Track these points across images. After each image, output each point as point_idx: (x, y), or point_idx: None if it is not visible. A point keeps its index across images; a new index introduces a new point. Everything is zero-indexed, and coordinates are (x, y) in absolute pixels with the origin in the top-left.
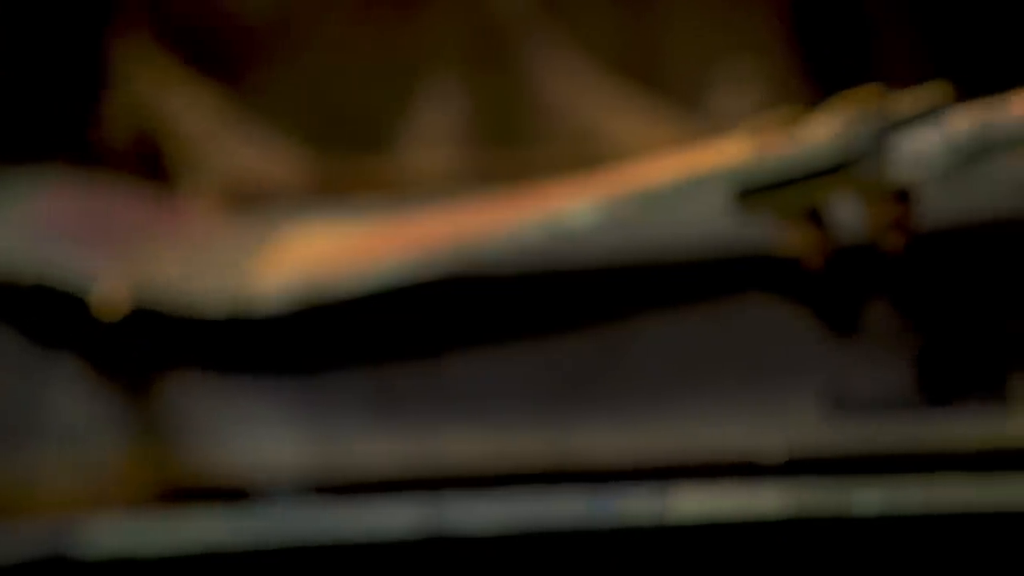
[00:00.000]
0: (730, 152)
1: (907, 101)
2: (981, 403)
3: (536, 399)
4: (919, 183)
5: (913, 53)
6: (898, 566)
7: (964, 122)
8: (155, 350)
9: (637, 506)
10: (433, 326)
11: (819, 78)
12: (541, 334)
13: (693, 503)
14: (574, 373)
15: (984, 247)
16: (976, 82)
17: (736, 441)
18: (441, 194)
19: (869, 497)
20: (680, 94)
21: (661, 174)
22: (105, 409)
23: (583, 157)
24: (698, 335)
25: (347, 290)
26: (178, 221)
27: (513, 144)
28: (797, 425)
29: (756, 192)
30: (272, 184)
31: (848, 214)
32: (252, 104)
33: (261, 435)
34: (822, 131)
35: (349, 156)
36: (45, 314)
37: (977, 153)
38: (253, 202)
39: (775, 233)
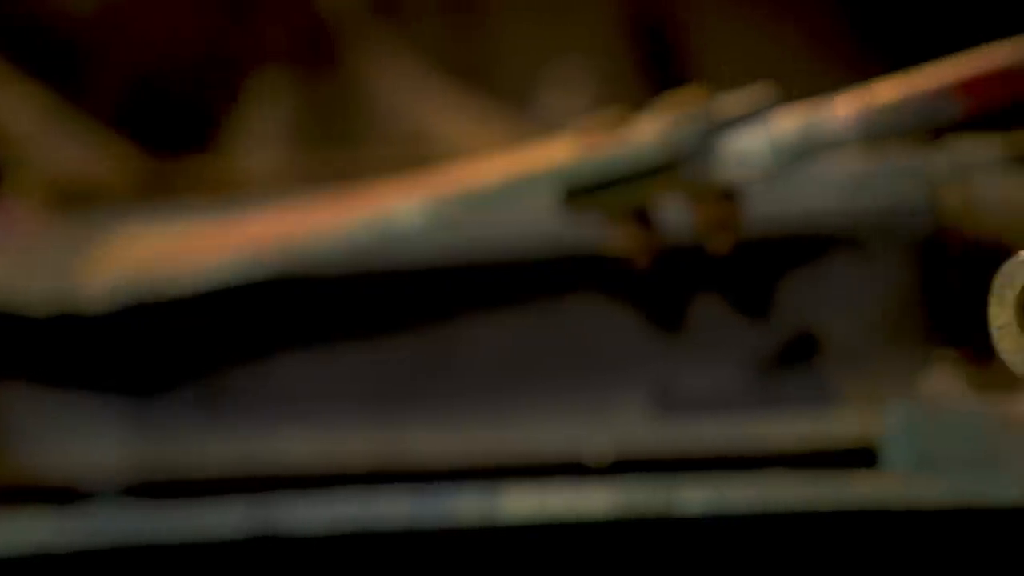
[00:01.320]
0: (557, 152)
1: (732, 102)
2: (806, 403)
3: (365, 399)
4: (744, 183)
5: (741, 55)
6: (724, 564)
7: (789, 123)
8: None
9: (466, 506)
10: (262, 326)
11: (646, 79)
12: (370, 334)
13: (522, 503)
14: (403, 373)
15: (809, 246)
16: (803, 83)
17: (564, 441)
18: (270, 195)
19: (695, 496)
20: (510, 95)
21: (489, 174)
22: None
23: (412, 158)
24: (526, 335)
25: (176, 290)
26: (3, 221)
27: (342, 145)
28: (624, 425)
29: (583, 192)
30: (100, 184)
31: (675, 214)
32: (79, 104)
33: (89, 436)
34: (648, 132)
35: (177, 156)
36: None
37: (802, 153)
38: (81, 202)
39: (602, 233)
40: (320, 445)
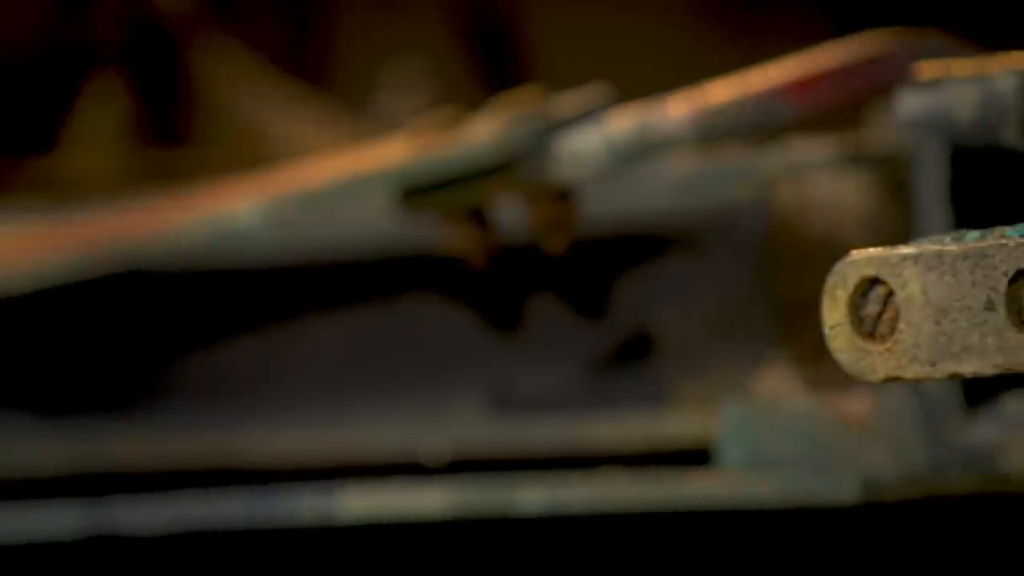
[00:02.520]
0: (393, 152)
1: (567, 102)
2: (642, 402)
3: (203, 399)
4: (580, 183)
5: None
6: (561, 564)
7: (623, 123)
8: None
9: (304, 506)
10: (97, 325)
11: (482, 79)
12: (208, 334)
13: (359, 503)
14: (240, 373)
15: (645, 246)
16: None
17: (401, 441)
18: (107, 194)
19: (532, 496)
20: (347, 95)
21: (326, 174)
22: None
23: (250, 157)
24: (363, 335)
25: (9, 289)
26: None
27: (181, 144)
28: (461, 424)
29: (419, 192)
30: None
31: (510, 214)
32: None
33: None
34: (484, 132)
35: (14, 157)
36: None
37: (636, 153)
38: None
39: (439, 233)
40: (157, 445)
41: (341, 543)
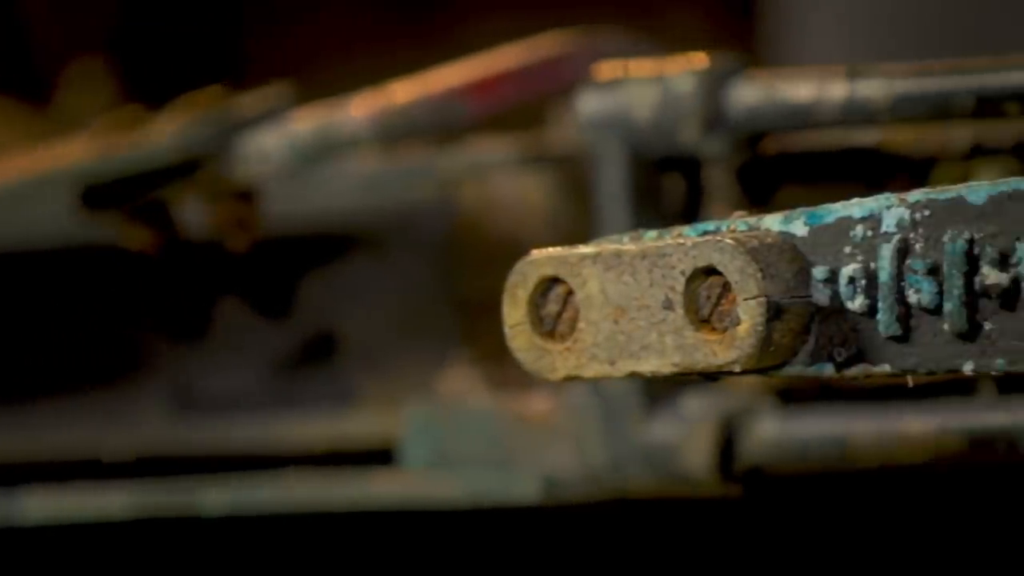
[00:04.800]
0: (75, 152)
1: (251, 102)
2: (326, 402)
3: None
4: (263, 182)
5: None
6: (247, 564)
7: (306, 122)
8: None
9: None
10: None
11: (164, 80)
12: None
13: (43, 503)
14: None
15: (328, 246)
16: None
17: (84, 441)
18: None
19: (216, 496)
20: (32, 94)
21: (8, 174)
22: None
23: None
24: (45, 334)
25: None
26: None
27: None
28: (145, 424)
29: (100, 190)
30: None
31: (193, 212)
32: None
33: None
34: (166, 131)
35: None
36: None
37: (319, 153)
38: None
39: (121, 231)
40: None
41: (24, 545)
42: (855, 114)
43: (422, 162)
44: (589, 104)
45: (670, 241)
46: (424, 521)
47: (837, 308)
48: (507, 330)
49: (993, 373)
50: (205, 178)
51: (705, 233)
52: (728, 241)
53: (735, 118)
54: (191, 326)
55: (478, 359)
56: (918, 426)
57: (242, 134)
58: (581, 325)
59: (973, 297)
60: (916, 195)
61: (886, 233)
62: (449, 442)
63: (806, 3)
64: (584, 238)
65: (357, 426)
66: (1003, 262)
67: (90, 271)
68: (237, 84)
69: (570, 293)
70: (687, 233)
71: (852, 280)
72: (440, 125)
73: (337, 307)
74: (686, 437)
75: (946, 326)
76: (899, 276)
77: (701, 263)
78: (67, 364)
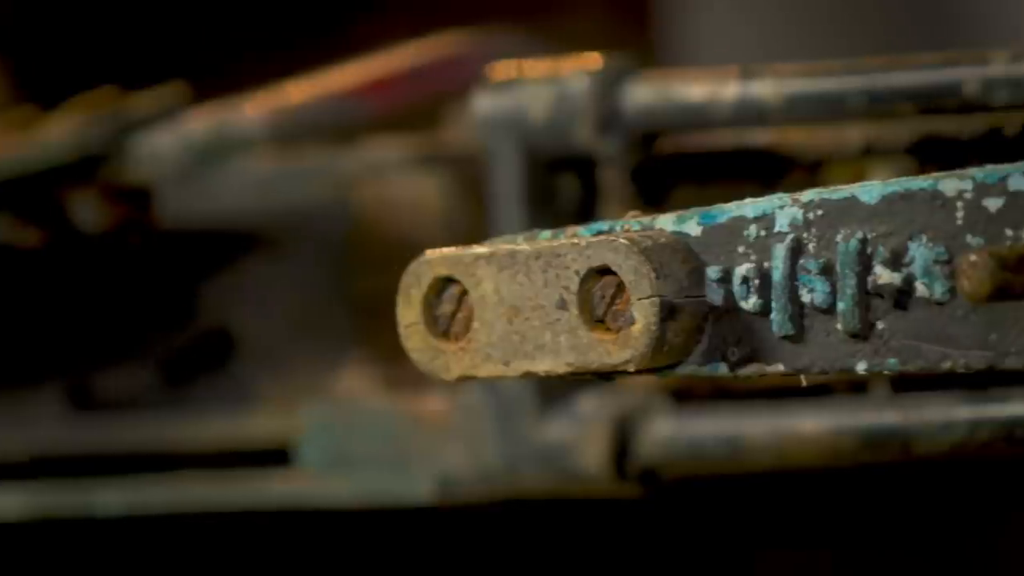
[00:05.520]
0: None
1: (144, 101)
2: (222, 402)
3: None
4: (157, 181)
5: (155, 55)
6: (144, 565)
7: (200, 122)
8: None
9: None
10: None
11: (58, 80)
12: None
13: None
14: None
15: (224, 246)
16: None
17: None
18: None
19: (111, 497)
20: None
21: None
22: None
23: None
24: None
25: None
26: None
27: None
28: (39, 424)
29: None
30: None
31: (88, 212)
32: None
33: None
34: (59, 131)
35: None
36: None
37: (213, 152)
38: None
39: (13, 230)
40: None
41: None
42: (748, 114)
43: (318, 162)
44: (484, 104)
45: (564, 241)
46: (321, 521)
47: (731, 308)
48: (402, 330)
49: (886, 372)
50: (99, 178)
51: (599, 233)
52: (622, 241)
53: (629, 118)
54: (85, 325)
55: (374, 359)
56: (812, 425)
57: (136, 134)
58: (475, 325)
59: (866, 297)
60: (809, 195)
61: (779, 233)
62: (345, 442)
63: (700, 3)
64: (480, 238)
65: (254, 426)
66: (895, 262)
67: None
68: (131, 84)
69: (464, 293)
70: (581, 233)
71: (746, 280)
72: (336, 125)
73: (233, 307)
74: (581, 437)
75: (839, 325)
76: (792, 276)
77: (595, 263)
78: None
